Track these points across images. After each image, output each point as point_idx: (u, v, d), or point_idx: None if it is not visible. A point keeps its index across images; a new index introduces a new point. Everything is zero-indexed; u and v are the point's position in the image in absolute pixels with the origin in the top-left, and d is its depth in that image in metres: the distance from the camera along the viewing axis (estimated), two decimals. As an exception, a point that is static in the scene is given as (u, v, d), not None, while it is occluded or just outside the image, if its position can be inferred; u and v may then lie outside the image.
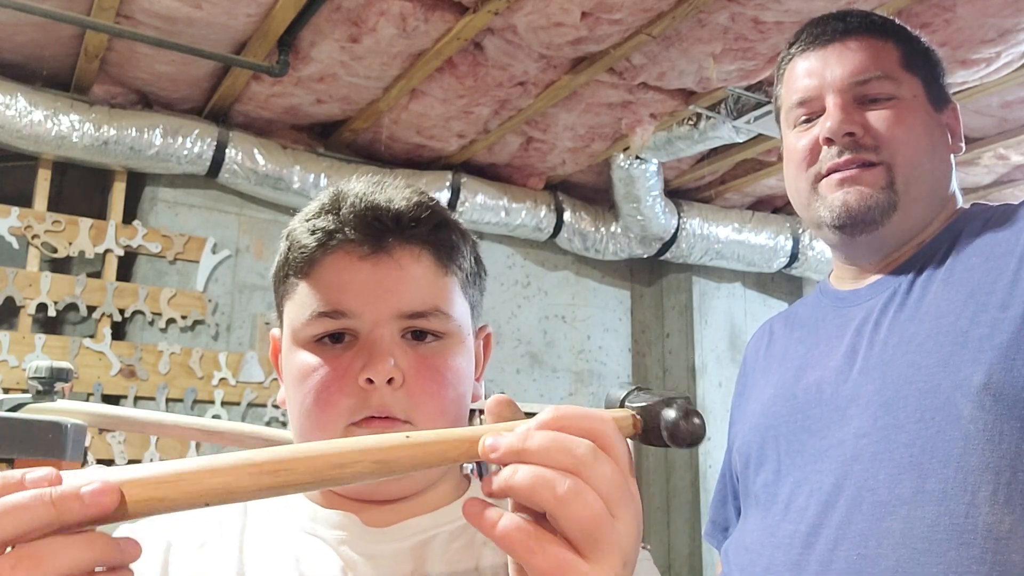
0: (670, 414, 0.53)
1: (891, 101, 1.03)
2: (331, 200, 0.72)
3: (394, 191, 0.73)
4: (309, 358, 0.70)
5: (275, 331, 0.79)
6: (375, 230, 0.70)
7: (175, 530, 0.73)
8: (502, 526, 0.47)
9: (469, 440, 0.51)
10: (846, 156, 1.02)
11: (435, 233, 0.73)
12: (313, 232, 0.71)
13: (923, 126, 1.03)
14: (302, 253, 0.71)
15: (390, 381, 0.67)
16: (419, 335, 0.71)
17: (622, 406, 0.56)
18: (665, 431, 0.52)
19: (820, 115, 1.05)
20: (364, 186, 0.73)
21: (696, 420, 0.52)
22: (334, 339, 0.70)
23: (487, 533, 0.48)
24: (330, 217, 0.71)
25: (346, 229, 0.70)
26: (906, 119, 1.02)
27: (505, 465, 0.49)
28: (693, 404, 0.55)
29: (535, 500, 0.47)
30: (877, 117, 1.02)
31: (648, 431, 0.54)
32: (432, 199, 0.74)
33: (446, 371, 0.71)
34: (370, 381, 0.67)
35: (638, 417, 0.54)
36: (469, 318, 0.76)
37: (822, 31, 1.08)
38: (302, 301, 0.71)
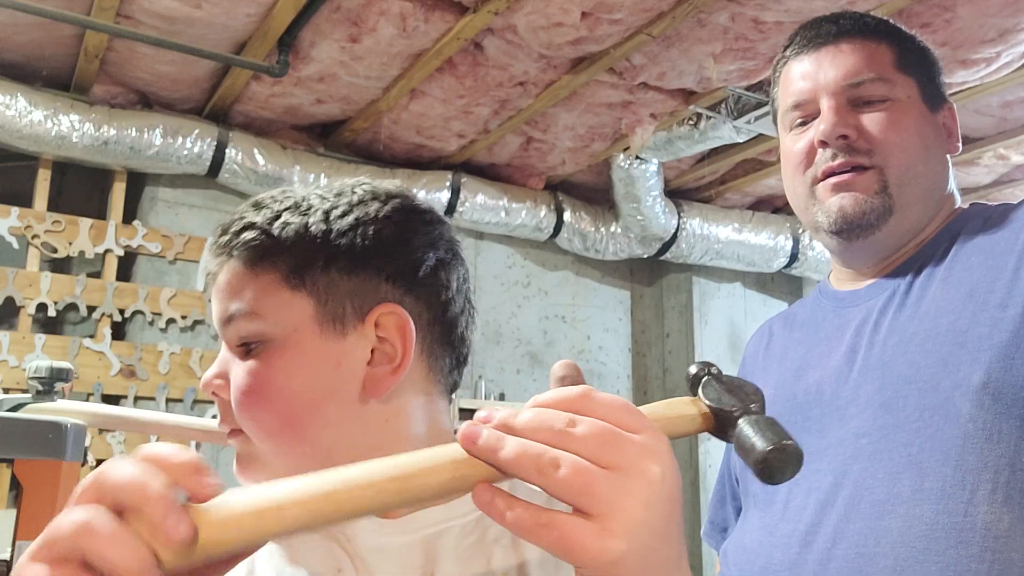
0: (758, 444, 0.51)
1: (885, 103, 1.03)
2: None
3: (242, 216, 0.73)
4: None
5: None
6: (216, 257, 0.73)
7: None
8: (511, 515, 0.48)
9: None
10: (840, 159, 1.02)
11: (240, 237, 0.71)
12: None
13: (917, 127, 1.03)
14: None
15: (214, 393, 0.73)
16: (247, 347, 0.70)
17: (695, 383, 0.56)
18: (754, 465, 0.51)
19: (815, 118, 1.05)
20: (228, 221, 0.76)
21: (791, 450, 0.50)
22: None
23: (500, 522, 0.49)
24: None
25: (208, 269, 0.75)
26: (900, 121, 1.02)
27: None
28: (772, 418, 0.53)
29: (523, 476, 0.48)
30: (871, 120, 1.02)
31: (720, 431, 0.55)
32: (254, 209, 0.73)
33: (267, 374, 0.68)
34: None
35: (710, 416, 0.55)
36: (316, 307, 0.69)
37: (816, 34, 1.08)
38: None
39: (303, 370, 0.68)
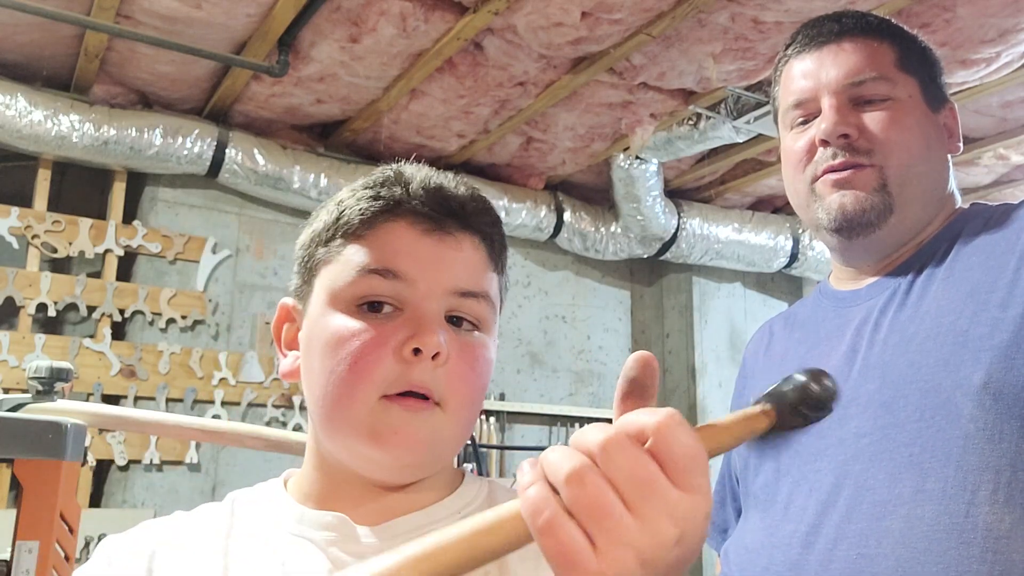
0: (797, 380, 0.52)
1: (886, 102, 1.03)
2: (396, 174, 0.73)
3: (455, 181, 0.74)
4: (348, 322, 0.68)
5: (287, 299, 0.77)
6: (441, 209, 0.70)
7: (160, 537, 0.72)
8: (529, 493, 0.45)
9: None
10: (841, 158, 1.02)
11: (491, 227, 0.74)
12: (376, 198, 0.71)
13: (918, 127, 1.03)
14: (361, 216, 0.70)
15: (436, 356, 0.66)
16: (456, 322, 0.70)
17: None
18: (800, 404, 0.52)
19: (816, 116, 1.05)
20: (429, 170, 0.74)
21: (826, 382, 0.52)
22: (374, 309, 0.69)
23: (521, 494, 0.46)
24: (397, 189, 0.71)
25: (414, 202, 0.70)
26: (901, 120, 1.02)
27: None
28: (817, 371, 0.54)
29: (550, 477, 0.46)
30: (872, 119, 1.02)
31: (782, 414, 0.52)
32: (487, 198, 0.76)
33: (483, 360, 0.71)
34: (416, 352, 0.65)
35: (767, 406, 0.52)
36: (497, 319, 0.76)
37: (817, 32, 1.08)
38: (349, 260, 0.70)
39: (493, 364, 0.75)
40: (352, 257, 0.70)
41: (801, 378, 0.52)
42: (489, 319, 0.72)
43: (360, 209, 0.71)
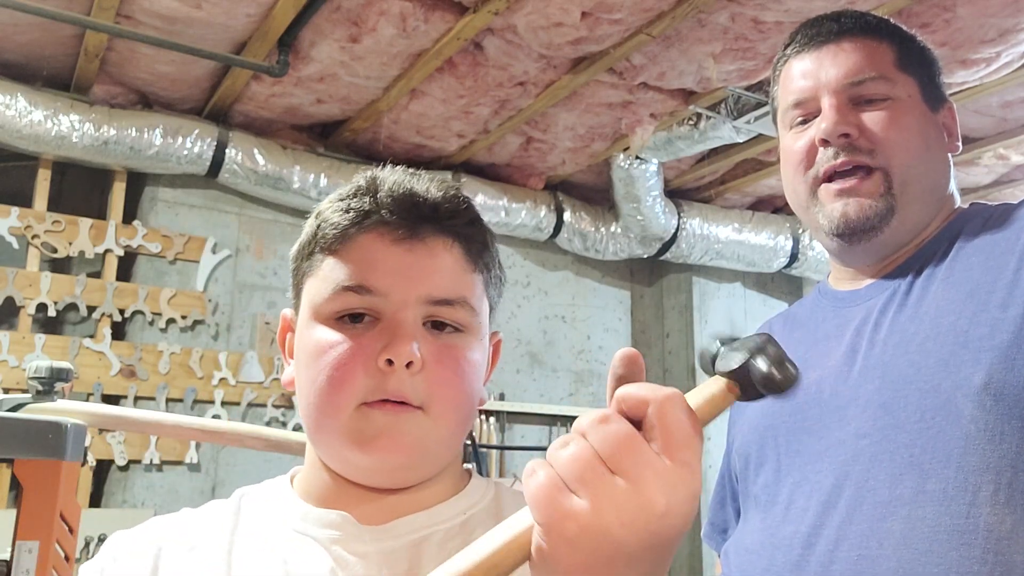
0: (761, 367, 0.53)
1: (886, 102, 1.03)
2: (368, 183, 0.73)
3: (430, 182, 0.74)
4: (327, 334, 0.69)
5: (287, 311, 0.79)
6: (411, 216, 0.71)
7: (167, 533, 0.73)
8: (529, 464, 0.49)
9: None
10: (842, 157, 1.02)
11: (468, 228, 0.73)
12: (347, 211, 0.71)
13: (918, 126, 1.03)
14: (334, 230, 0.71)
15: (409, 364, 0.67)
16: (439, 325, 0.71)
17: (712, 363, 0.56)
18: (760, 385, 0.53)
19: (816, 116, 1.05)
20: (401, 175, 0.74)
21: (790, 369, 0.53)
22: (354, 319, 0.70)
23: None
24: (367, 199, 0.72)
25: (383, 211, 0.71)
26: (901, 120, 1.02)
27: None
28: (778, 347, 0.55)
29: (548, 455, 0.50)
30: (872, 118, 1.02)
31: (745, 391, 0.54)
32: (466, 197, 0.75)
33: (464, 363, 0.71)
34: (389, 362, 0.66)
35: (733, 383, 0.54)
36: (488, 318, 0.76)
37: (817, 32, 1.08)
38: (327, 276, 0.71)
39: (484, 364, 0.75)
40: (329, 273, 0.71)
41: (762, 367, 0.53)
42: (471, 322, 0.72)
43: (333, 223, 0.72)
